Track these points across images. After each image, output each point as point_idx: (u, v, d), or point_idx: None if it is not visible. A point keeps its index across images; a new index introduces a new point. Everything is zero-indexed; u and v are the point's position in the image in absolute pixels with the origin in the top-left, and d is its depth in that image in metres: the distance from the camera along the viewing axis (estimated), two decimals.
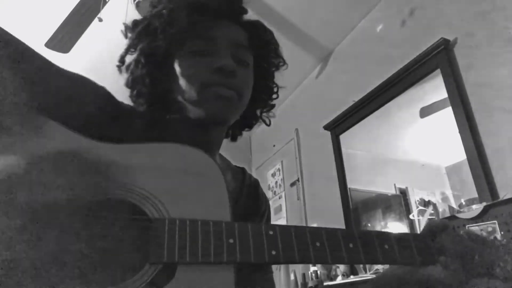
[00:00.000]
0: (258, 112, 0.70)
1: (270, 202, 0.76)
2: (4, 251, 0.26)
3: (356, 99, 2.37)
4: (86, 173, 0.34)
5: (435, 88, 1.91)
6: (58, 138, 0.38)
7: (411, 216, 2.24)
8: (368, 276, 1.93)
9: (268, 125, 0.71)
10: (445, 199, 2.21)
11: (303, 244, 0.42)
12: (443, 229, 0.51)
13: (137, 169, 0.42)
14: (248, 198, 0.66)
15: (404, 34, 2.13)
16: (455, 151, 1.76)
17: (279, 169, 3.25)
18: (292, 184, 3.00)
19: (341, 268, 2.17)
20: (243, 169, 0.72)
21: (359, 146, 2.60)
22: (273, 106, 0.71)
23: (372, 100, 2.27)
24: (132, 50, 0.61)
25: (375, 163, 2.61)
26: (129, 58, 0.62)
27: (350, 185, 2.42)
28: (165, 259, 0.37)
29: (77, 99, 0.50)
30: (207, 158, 0.46)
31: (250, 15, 0.65)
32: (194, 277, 0.37)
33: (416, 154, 2.49)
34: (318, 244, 0.43)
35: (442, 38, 1.80)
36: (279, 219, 3.05)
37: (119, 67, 0.63)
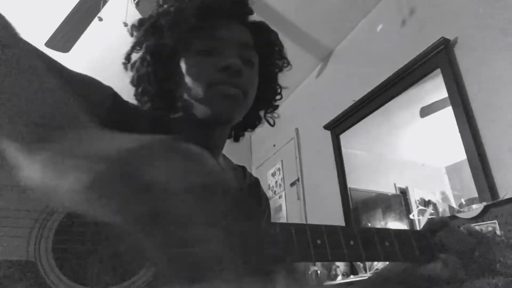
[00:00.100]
0: (261, 113, 0.70)
1: (270, 202, 0.76)
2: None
3: (356, 99, 2.36)
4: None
5: (435, 88, 1.91)
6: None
7: (411, 216, 2.24)
8: (369, 275, 1.93)
9: (272, 125, 0.71)
10: (445, 198, 2.21)
11: (303, 242, 0.42)
12: (444, 226, 0.51)
13: None
14: (249, 197, 0.67)
15: (404, 34, 2.13)
16: (455, 150, 1.76)
17: (279, 169, 3.25)
18: (292, 184, 2.99)
19: (341, 268, 2.17)
20: (243, 168, 0.73)
21: (359, 145, 2.60)
22: (276, 106, 0.71)
23: (372, 100, 2.27)
24: (138, 48, 0.61)
25: (375, 162, 2.61)
26: (134, 56, 0.62)
27: (350, 184, 2.42)
28: None
29: (85, 99, 0.49)
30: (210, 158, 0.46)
31: (251, 15, 0.65)
32: None
33: (416, 154, 2.49)
34: (318, 241, 0.43)
35: (442, 37, 1.80)
36: (279, 219, 3.05)
37: (125, 64, 0.63)
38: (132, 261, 0.37)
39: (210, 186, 0.23)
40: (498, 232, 0.50)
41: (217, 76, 0.55)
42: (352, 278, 2.07)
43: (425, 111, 2.19)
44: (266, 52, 0.65)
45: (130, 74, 0.62)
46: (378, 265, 1.88)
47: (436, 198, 2.24)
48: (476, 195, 1.58)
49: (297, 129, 3.07)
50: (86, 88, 0.51)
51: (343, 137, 2.54)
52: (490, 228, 1.34)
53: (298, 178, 2.92)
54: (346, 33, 2.63)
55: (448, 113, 1.77)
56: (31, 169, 0.24)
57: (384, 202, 2.44)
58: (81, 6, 2.00)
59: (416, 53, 1.94)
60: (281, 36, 0.69)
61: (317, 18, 2.48)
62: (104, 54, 2.54)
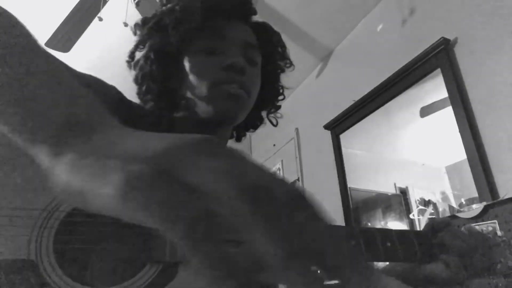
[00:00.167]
0: (263, 113, 0.70)
1: None
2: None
3: (356, 99, 2.36)
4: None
5: (435, 88, 1.91)
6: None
7: (411, 216, 2.24)
8: None
9: (275, 125, 0.72)
10: (445, 198, 2.21)
11: None
12: (445, 226, 0.51)
13: None
14: None
15: (404, 34, 2.13)
16: (455, 150, 1.76)
17: (279, 169, 3.25)
18: None
19: None
20: None
21: (359, 145, 2.60)
22: (279, 107, 0.71)
23: (372, 100, 2.27)
24: (141, 47, 0.61)
25: (375, 162, 2.61)
26: (138, 55, 0.62)
27: (350, 184, 2.42)
28: (166, 259, 0.37)
29: None
30: None
31: (254, 16, 0.66)
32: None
33: (416, 154, 2.49)
34: None
35: (442, 37, 1.80)
36: None
37: (128, 62, 0.63)
38: (134, 260, 0.37)
39: (267, 187, 0.20)
40: (498, 232, 0.50)
41: (221, 75, 0.56)
42: None
43: (425, 111, 2.19)
44: (269, 53, 0.66)
45: (133, 72, 0.62)
46: (379, 264, 1.88)
47: (436, 198, 2.24)
48: (476, 195, 1.58)
49: (297, 129, 3.07)
50: (92, 88, 0.51)
51: (343, 137, 2.54)
52: (490, 228, 1.34)
53: (298, 177, 2.92)
54: (346, 33, 2.63)
55: (448, 113, 1.77)
56: (58, 172, 0.22)
57: (384, 202, 2.43)
58: (81, 6, 2.00)
59: (416, 53, 1.94)
60: (282, 36, 0.70)
61: (317, 18, 2.48)
62: (104, 54, 2.54)
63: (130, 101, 0.57)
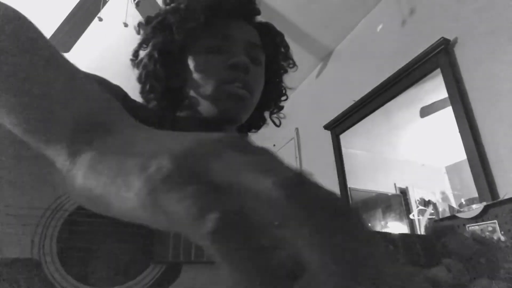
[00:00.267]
0: (266, 113, 0.70)
1: None
2: None
3: (356, 99, 2.37)
4: None
5: (435, 88, 1.91)
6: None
7: (411, 216, 2.24)
8: None
9: (278, 126, 0.72)
10: (445, 198, 2.21)
11: None
12: (449, 231, 0.51)
13: None
14: None
15: (404, 34, 2.13)
16: (455, 150, 1.76)
17: None
18: None
19: None
20: None
21: (359, 145, 2.60)
22: (281, 107, 0.71)
23: (372, 100, 2.27)
24: (145, 45, 0.61)
25: (375, 162, 2.61)
26: (141, 54, 0.62)
27: (350, 184, 2.42)
28: (169, 259, 0.37)
29: None
30: None
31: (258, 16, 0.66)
32: (199, 277, 0.37)
33: (416, 154, 2.49)
34: None
35: (442, 37, 1.80)
36: None
37: (132, 61, 0.63)
38: (137, 260, 0.37)
39: (311, 185, 0.18)
40: (502, 237, 0.50)
41: (225, 74, 0.56)
42: None
43: (425, 111, 2.19)
44: (272, 53, 0.66)
45: (136, 71, 0.63)
46: None
47: (436, 198, 2.24)
48: (476, 195, 1.58)
49: (297, 129, 3.07)
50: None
51: (343, 137, 2.54)
52: (490, 228, 1.34)
53: None
54: (346, 33, 2.63)
55: (448, 113, 1.77)
56: (76, 174, 0.20)
57: (384, 202, 2.44)
58: (81, 6, 2.00)
59: (416, 53, 1.94)
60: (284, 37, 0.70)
61: (317, 18, 2.48)
62: (104, 54, 2.54)
63: (134, 100, 0.57)
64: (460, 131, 1.68)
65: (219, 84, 0.55)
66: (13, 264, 0.34)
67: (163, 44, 0.59)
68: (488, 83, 1.61)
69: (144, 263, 0.37)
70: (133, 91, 0.64)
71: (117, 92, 0.54)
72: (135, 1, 1.99)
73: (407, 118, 2.42)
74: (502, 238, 0.50)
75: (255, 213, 0.17)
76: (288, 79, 0.74)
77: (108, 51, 2.47)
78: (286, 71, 0.69)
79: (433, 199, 2.21)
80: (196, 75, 0.57)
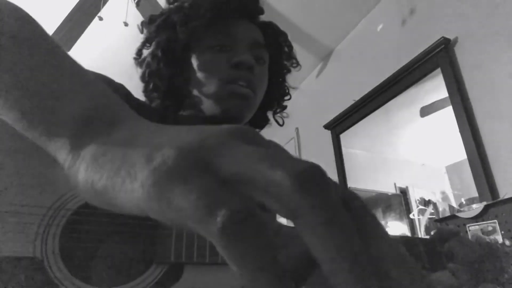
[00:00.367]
0: (269, 113, 0.70)
1: None
2: None
3: (357, 99, 2.37)
4: None
5: (435, 88, 1.91)
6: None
7: (411, 216, 2.24)
8: None
9: (282, 125, 0.72)
10: (445, 198, 2.21)
11: None
12: (453, 235, 0.50)
13: None
14: None
15: (404, 34, 2.13)
16: (455, 150, 1.77)
17: None
18: None
19: None
20: None
21: (360, 145, 2.60)
22: (285, 107, 0.71)
23: (373, 100, 2.27)
24: (148, 44, 0.61)
25: (375, 162, 2.61)
26: (145, 53, 0.62)
27: (350, 184, 2.42)
28: (172, 260, 0.37)
29: None
30: None
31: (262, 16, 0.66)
32: (201, 278, 0.37)
33: (417, 153, 2.49)
34: None
35: (442, 37, 1.80)
36: (279, 218, 3.05)
37: (136, 60, 0.63)
38: (139, 260, 0.37)
39: (314, 176, 0.16)
40: (507, 242, 0.50)
41: (229, 72, 0.55)
42: None
43: (425, 111, 2.19)
44: (276, 53, 0.66)
45: (139, 70, 0.62)
46: None
47: (436, 197, 2.24)
48: (476, 194, 1.58)
49: (297, 129, 3.07)
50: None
51: (343, 137, 2.54)
52: (490, 228, 1.34)
53: None
54: (346, 33, 2.63)
55: (448, 112, 1.77)
56: (79, 168, 0.20)
57: (384, 201, 2.44)
58: (81, 6, 2.00)
59: (416, 53, 1.94)
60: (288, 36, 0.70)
61: (317, 18, 2.48)
62: (104, 54, 2.54)
63: (136, 99, 0.57)
64: (460, 131, 1.68)
65: (222, 83, 0.55)
66: (15, 262, 0.34)
67: (167, 43, 0.59)
68: (488, 83, 1.61)
69: (147, 263, 0.37)
70: (134, 90, 0.64)
71: (120, 91, 0.54)
72: (135, 1, 1.99)
73: (407, 118, 2.42)
74: (507, 242, 0.50)
75: (265, 207, 0.16)
76: (288, 78, 0.74)
77: (108, 51, 2.47)
78: (289, 71, 0.69)
79: (433, 199, 2.22)
80: (199, 74, 0.57)
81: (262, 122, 0.71)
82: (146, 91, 0.62)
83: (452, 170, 2.25)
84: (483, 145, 1.59)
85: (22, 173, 0.36)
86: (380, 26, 2.33)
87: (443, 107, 1.93)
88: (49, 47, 0.27)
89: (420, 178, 2.45)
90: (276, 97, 0.69)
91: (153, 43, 0.60)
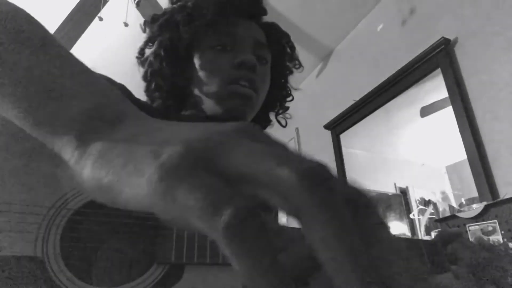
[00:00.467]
0: (272, 115, 0.70)
1: None
2: None
3: (357, 99, 2.37)
4: None
5: (435, 88, 1.91)
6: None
7: (411, 216, 2.24)
8: None
9: (284, 126, 0.72)
10: (445, 198, 2.22)
11: None
12: (456, 238, 0.50)
13: None
14: None
15: (404, 34, 2.13)
16: (455, 150, 1.77)
17: None
18: None
19: None
20: None
21: (360, 145, 2.60)
22: (287, 108, 0.71)
23: (373, 100, 2.28)
24: (150, 44, 0.61)
25: (375, 162, 2.62)
26: (147, 52, 0.62)
27: None
28: (172, 260, 0.37)
29: None
30: None
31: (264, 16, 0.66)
32: (202, 278, 0.37)
33: (417, 153, 2.49)
34: None
35: (442, 37, 1.80)
36: (278, 218, 3.05)
37: (138, 59, 0.63)
38: (140, 260, 0.37)
39: (322, 174, 0.16)
40: (511, 244, 0.50)
41: (231, 72, 0.55)
42: None
43: (425, 111, 2.20)
44: (278, 53, 0.66)
45: (141, 69, 0.62)
46: None
47: (436, 197, 2.24)
48: (476, 194, 1.59)
49: (297, 129, 3.07)
50: None
51: (344, 137, 2.55)
52: (490, 228, 1.34)
53: None
54: (346, 33, 2.63)
55: (448, 113, 1.78)
56: (85, 165, 0.20)
57: (384, 201, 2.44)
58: (81, 6, 2.00)
59: (416, 53, 1.94)
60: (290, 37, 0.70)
61: (317, 18, 2.48)
62: (104, 54, 2.54)
63: (138, 99, 0.57)
64: (460, 131, 1.68)
65: (224, 83, 0.55)
66: (16, 262, 0.34)
67: (170, 42, 0.58)
68: (488, 83, 1.62)
69: (147, 263, 0.37)
70: (135, 90, 0.64)
71: (121, 91, 0.54)
72: (136, 1, 1.99)
73: (407, 118, 2.43)
74: (511, 244, 0.50)
75: (267, 208, 0.16)
76: (288, 79, 0.74)
77: (108, 51, 2.47)
78: (291, 72, 0.69)
79: (433, 199, 2.22)
80: (202, 74, 0.57)
81: (264, 122, 0.71)
82: (148, 90, 0.62)
83: (452, 170, 2.25)
84: (483, 145, 1.59)
85: (23, 173, 0.36)
86: (380, 26, 2.33)
87: (443, 107, 1.94)
88: (53, 45, 0.27)
89: (420, 178, 2.45)
90: (278, 98, 0.69)
91: (156, 43, 0.60)
